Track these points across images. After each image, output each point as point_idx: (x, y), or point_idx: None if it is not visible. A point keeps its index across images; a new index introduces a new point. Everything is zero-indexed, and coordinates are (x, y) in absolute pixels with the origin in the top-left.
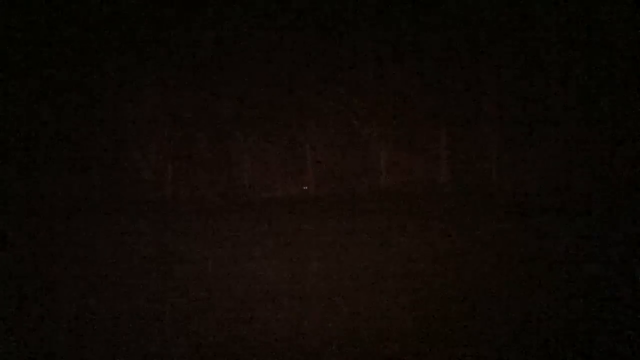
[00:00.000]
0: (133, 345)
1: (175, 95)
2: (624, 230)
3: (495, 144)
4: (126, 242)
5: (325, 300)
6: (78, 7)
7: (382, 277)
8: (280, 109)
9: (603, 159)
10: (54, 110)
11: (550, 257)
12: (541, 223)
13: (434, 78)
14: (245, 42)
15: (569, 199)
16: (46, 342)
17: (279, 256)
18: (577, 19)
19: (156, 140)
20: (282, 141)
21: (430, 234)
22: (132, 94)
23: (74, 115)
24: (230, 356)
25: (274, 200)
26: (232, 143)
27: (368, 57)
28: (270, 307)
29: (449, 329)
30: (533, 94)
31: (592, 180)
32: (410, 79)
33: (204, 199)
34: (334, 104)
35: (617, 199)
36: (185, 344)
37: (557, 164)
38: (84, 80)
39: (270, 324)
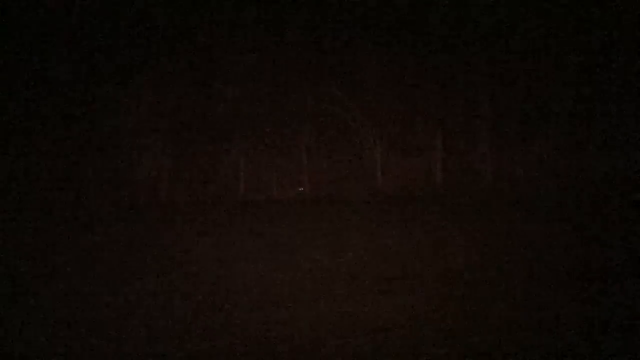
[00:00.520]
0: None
1: (169, 96)
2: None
3: (490, 144)
4: (121, 244)
5: (321, 303)
6: (72, 5)
7: (380, 280)
8: (275, 110)
9: (602, 160)
10: (44, 109)
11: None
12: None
13: (432, 78)
14: (240, 43)
15: (567, 200)
16: (43, 344)
17: (276, 258)
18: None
19: (150, 143)
20: (277, 142)
21: (433, 236)
22: (126, 93)
23: (66, 115)
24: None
25: (268, 202)
26: (226, 144)
27: (365, 57)
28: (266, 310)
29: (447, 329)
30: (531, 93)
31: (591, 182)
32: (409, 79)
33: (198, 200)
34: (330, 105)
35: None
36: (183, 346)
37: (555, 165)
38: (77, 79)
39: (268, 326)
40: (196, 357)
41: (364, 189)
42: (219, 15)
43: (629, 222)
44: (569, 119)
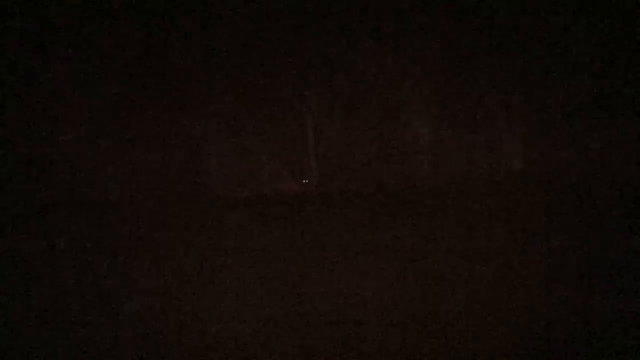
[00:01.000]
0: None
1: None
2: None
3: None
4: (109, 243)
5: (333, 324)
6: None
7: (403, 288)
8: (266, 65)
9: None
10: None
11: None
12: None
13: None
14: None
15: (612, 197)
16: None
17: (282, 260)
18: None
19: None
20: (270, 112)
21: (457, 235)
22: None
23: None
24: None
25: (268, 197)
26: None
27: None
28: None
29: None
30: (534, 89)
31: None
32: (415, 68)
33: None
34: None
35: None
36: (179, 349)
37: (602, 159)
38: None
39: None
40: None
41: (397, 178)
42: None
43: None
44: (619, 111)
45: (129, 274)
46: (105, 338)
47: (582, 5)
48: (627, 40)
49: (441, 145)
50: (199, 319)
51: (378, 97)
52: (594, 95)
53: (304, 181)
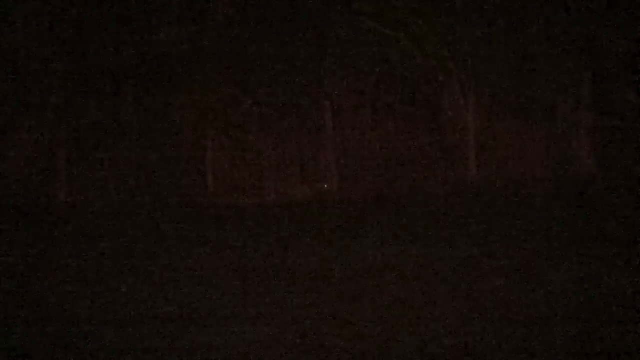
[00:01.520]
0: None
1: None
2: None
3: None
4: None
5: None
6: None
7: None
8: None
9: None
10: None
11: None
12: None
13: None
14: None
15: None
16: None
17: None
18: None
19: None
20: (285, 108)
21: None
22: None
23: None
24: None
25: (272, 205)
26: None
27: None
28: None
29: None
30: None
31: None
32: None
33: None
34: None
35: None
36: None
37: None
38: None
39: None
40: None
41: (438, 181)
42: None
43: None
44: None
45: (123, 281)
46: (96, 345)
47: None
48: None
49: (490, 144)
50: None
51: (418, 89)
52: None
53: (323, 186)
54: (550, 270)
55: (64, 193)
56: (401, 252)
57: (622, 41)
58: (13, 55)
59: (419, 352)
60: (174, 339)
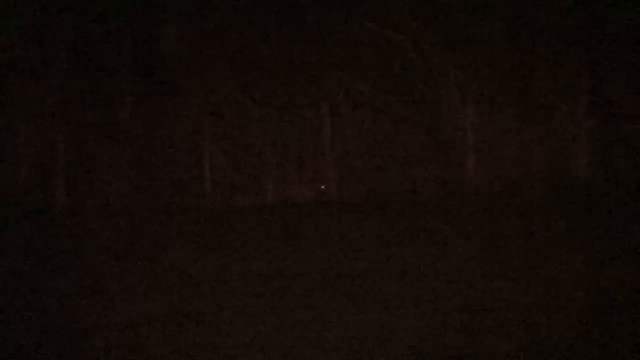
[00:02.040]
0: None
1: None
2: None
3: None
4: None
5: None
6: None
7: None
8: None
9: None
10: None
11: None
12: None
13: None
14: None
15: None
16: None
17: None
18: None
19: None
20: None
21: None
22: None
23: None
24: None
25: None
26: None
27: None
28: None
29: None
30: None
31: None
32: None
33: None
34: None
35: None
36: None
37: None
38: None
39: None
40: None
41: (439, 184)
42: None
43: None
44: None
45: (123, 281)
46: (95, 345)
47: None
48: None
49: (489, 145)
50: (197, 328)
51: (411, 90)
52: None
53: (321, 187)
54: (548, 270)
55: (63, 195)
56: (399, 252)
57: (620, 43)
58: (10, 57)
59: (416, 352)
60: (173, 340)
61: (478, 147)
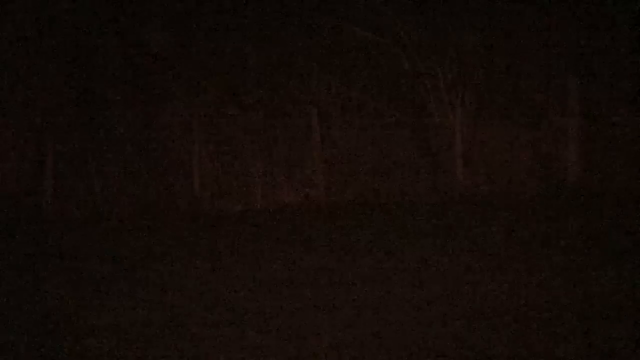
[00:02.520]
0: None
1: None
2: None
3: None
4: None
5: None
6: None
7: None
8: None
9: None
10: None
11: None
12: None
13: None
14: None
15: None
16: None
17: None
18: None
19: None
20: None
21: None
22: None
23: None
24: None
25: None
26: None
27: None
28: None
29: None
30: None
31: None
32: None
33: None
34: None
35: None
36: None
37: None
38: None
39: None
40: None
41: (428, 190)
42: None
43: None
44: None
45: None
46: (83, 351)
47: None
48: None
49: (478, 149)
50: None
51: (401, 94)
52: None
53: (305, 190)
54: (538, 274)
55: (51, 201)
56: (389, 258)
57: (609, 47)
58: None
59: (405, 356)
60: (160, 345)
61: (467, 151)
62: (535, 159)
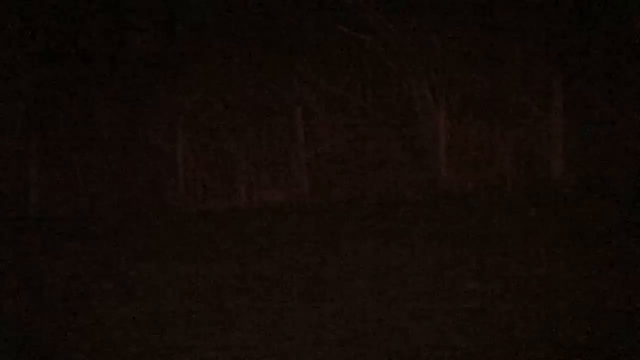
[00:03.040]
0: None
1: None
2: None
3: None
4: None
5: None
6: None
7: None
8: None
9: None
10: None
11: None
12: None
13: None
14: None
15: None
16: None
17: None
18: None
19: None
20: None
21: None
22: None
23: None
24: None
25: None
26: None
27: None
28: None
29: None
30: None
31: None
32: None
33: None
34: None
35: None
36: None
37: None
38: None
39: None
40: None
41: (412, 187)
42: None
43: None
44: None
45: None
46: (70, 348)
47: None
48: None
49: (462, 147)
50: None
51: (385, 93)
52: None
53: (296, 190)
54: (523, 271)
55: (37, 201)
56: (373, 255)
57: (592, 44)
58: None
59: (390, 354)
60: (143, 344)
61: (451, 149)
62: (519, 155)
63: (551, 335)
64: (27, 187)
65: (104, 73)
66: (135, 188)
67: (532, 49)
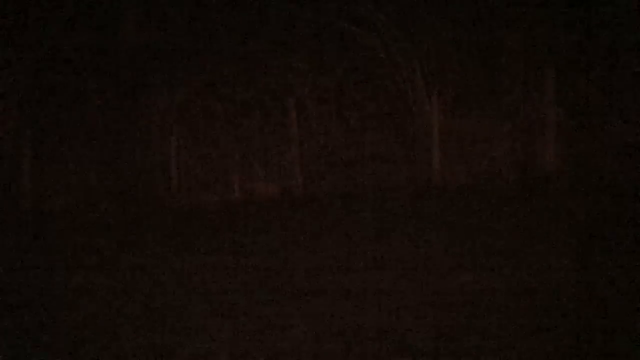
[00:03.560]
0: None
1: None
2: None
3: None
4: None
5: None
6: None
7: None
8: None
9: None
10: None
11: None
12: None
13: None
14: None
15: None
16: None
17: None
18: None
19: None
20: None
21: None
22: None
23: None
24: None
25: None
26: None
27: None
28: None
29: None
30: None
31: None
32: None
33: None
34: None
35: None
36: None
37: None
38: None
39: None
40: None
41: (405, 180)
42: None
43: None
44: None
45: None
46: (59, 339)
47: None
48: None
49: (455, 139)
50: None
51: (384, 78)
52: None
53: (290, 182)
54: (515, 265)
55: (29, 195)
56: (367, 249)
57: (585, 38)
58: None
59: (383, 347)
60: (135, 336)
61: (445, 141)
62: (512, 148)
63: (545, 329)
64: (19, 181)
65: (97, 67)
66: (128, 182)
67: (526, 42)
